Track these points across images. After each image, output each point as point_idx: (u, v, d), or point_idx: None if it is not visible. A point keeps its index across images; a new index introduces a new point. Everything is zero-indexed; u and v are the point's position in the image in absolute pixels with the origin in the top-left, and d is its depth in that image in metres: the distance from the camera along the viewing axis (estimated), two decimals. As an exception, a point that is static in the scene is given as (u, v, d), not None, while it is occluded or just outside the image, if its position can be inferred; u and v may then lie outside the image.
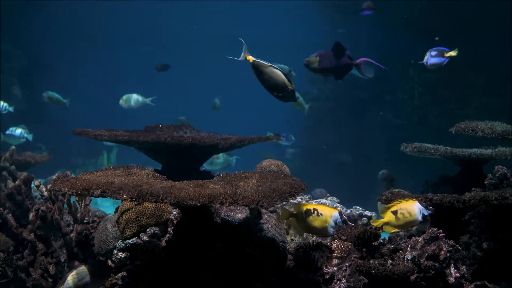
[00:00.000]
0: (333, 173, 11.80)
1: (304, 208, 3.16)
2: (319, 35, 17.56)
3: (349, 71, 4.70)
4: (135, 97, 8.60)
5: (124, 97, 8.66)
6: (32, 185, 4.51)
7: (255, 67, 3.40)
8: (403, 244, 2.95)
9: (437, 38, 8.92)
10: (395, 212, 3.01)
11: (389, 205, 3.05)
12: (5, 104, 8.32)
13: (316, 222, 3.08)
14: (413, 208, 3.00)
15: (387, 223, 3.06)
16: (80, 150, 16.36)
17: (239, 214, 3.38)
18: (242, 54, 3.37)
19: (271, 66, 3.40)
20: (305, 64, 4.60)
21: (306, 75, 14.06)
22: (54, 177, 4.38)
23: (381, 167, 7.27)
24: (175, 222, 3.46)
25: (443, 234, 2.85)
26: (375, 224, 3.07)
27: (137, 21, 20.62)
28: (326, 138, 12.71)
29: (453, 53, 4.65)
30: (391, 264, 2.80)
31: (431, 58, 4.74)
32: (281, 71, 3.40)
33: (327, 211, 3.11)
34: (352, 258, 3.04)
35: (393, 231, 3.10)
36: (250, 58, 3.38)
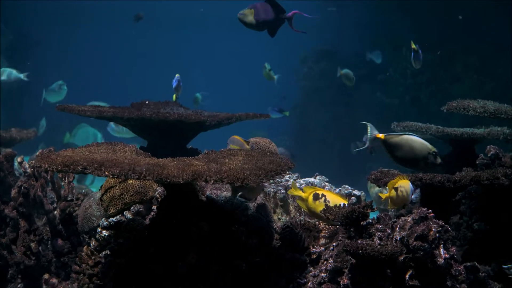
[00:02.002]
0: (322, 152, 11.78)
1: (313, 191, 3.08)
2: (308, 12, 17.43)
3: (280, 25, 4.52)
4: (8, 71, 8.60)
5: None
6: (15, 161, 4.44)
7: (390, 145, 3.27)
8: (391, 224, 2.90)
9: (460, 17, 8.95)
10: (396, 189, 2.94)
11: (393, 180, 2.97)
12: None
13: (320, 208, 3.01)
14: (409, 187, 2.93)
15: (388, 199, 3.00)
16: (67, 127, 16.26)
17: (225, 192, 3.32)
18: (370, 133, 3.26)
19: (406, 134, 3.27)
20: (239, 19, 4.41)
21: (296, 53, 14.02)
22: (37, 153, 4.31)
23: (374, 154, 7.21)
24: (159, 200, 3.40)
25: (432, 214, 2.79)
26: (384, 196, 3.00)
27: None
28: (316, 117, 12.67)
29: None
30: (379, 244, 2.74)
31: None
32: (419, 137, 3.25)
33: (336, 200, 3.03)
34: (340, 238, 2.98)
35: (393, 207, 3.07)
36: (381, 135, 3.26)
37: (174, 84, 5.00)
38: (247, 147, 3.90)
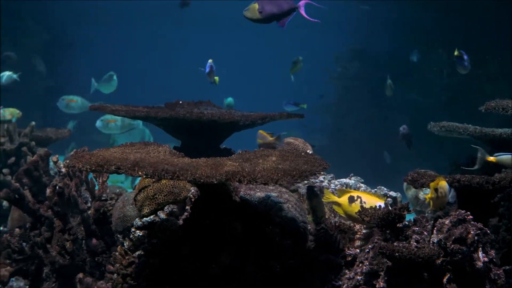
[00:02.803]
0: (356, 152, 11.70)
1: (348, 194, 3.04)
2: (342, 12, 17.33)
3: (289, 14, 4.37)
4: (7, 75, 8.61)
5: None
6: (50, 161, 4.47)
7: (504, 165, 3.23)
8: (428, 226, 2.84)
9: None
10: (436, 190, 2.88)
11: (433, 182, 2.92)
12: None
13: (357, 210, 2.96)
14: (446, 188, 2.87)
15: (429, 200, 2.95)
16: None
17: (259, 193, 3.29)
18: (480, 157, 3.24)
19: None
20: (243, 15, 4.29)
21: (330, 52, 13.94)
22: (71, 153, 4.33)
23: (405, 147, 7.12)
24: (193, 200, 3.39)
25: (471, 217, 2.73)
26: (428, 197, 2.95)
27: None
28: (350, 117, 12.60)
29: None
30: (416, 247, 2.68)
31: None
32: None
33: (372, 200, 2.99)
34: (375, 240, 2.93)
35: (434, 209, 3.02)
36: (492, 158, 3.26)
37: (207, 69, 4.99)
38: (270, 139, 3.88)
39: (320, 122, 12.70)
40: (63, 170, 4.05)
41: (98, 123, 7.88)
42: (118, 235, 3.74)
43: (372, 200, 2.97)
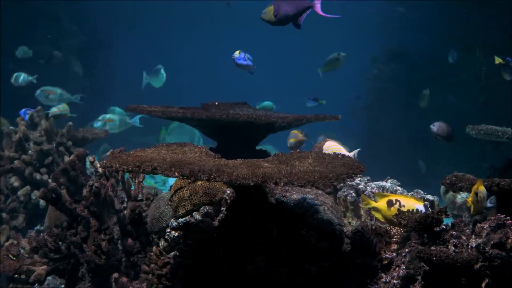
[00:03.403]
0: (391, 154, 11.60)
1: (386, 198, 3.01)
2: (376, 14, 17.21)
3: (303, 13, 4.35)
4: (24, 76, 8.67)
5: (14, 74, 8.76)
6: (86, 161, 4.51)
7: None
8: (467, 230, 2.80)
9: None
10: (476, 194, 2.83)
11: (474, 186, 2.87)
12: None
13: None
14: (484, 192, 2.83)
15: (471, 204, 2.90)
16: (138, 127, 16.51)
17: (295, 195, 3.28)
18: None
19: None
20: (261, 18, 4.30)
21: (366, 55, 13.86)
22: (108, 153, 4.36)
23: (441, 150, 7.04)
24: (229, 201, 3.39)
25: (510, 221, 2.68)
26: (469, 201, 2.90)
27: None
28: (386, 119, 12.51)
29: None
30: (453, 251, 2.65)
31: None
32: None
33: (411, 203, 2.96)
34: (412, 243, 2.90)
35: (474, 212, 2.96)
36: None
37: (244, 61, 4.98)
38: (301, 136, 3.86)
39: (354, 124, 12.63)
40: (100, 170, 4.08)
41: (97, 124, 7.90)
42: (154, 236, 3.76)
43: (410, 203, 2.93)
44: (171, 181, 10.62)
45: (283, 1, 4.28)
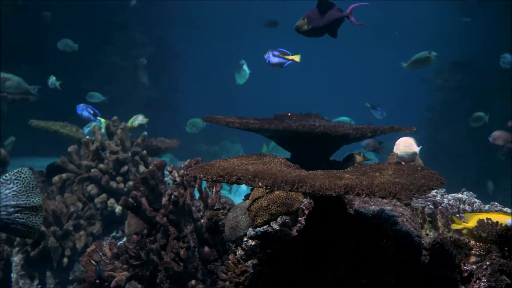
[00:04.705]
0: (456, 165, 11.42)
1: (476, 218, 3.00)
2: (441, 24, 17.00)
3: (340, 24, 4.40)
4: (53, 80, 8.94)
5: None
6: (164, 170, 4.62)
7: None
8: (550, 244, 2.77)
9: None
10: None
11: None
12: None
13: None
14: None
15: None
16: (203, 137, 16.70)
17: (373, 206, 3.30)
18: None
19: None
20: (296, 30, 4.39)
21: (431, 65, 13.71)
22: (186, 163, 4.46)
23: (508, 163, 6.92)
24: (306, 212, 3.43)
25: None
26: None
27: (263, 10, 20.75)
28: (451, 130, 12.34)
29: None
30: (537, 265, 2.63)
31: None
32: None
33: (501, 219, 2.95)
34: (493, 256, 2.88)
35: None
36: None
37: (273, 61, 5.02)
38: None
39: (419, 135, 12.52)
40: (178, 179, 4.18)
41: (86, 130, 7.97)
42: (230, 244, 3.82)
43: (499, 218, 2.92)
44: (236, 188, 10.71)
45: (314, 14, 4.37)
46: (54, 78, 8.98)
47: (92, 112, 6.59)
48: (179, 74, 18.81)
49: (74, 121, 7.22)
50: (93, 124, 7.41)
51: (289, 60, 5.11)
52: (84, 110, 6.49)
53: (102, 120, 6.59)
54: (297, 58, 5.11)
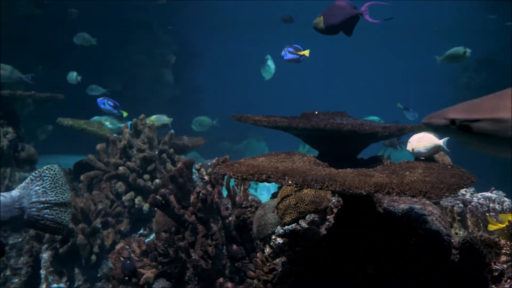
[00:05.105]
0: (485, 164, 11.33)
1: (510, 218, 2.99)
2: (467, 22, 16.85)
3: (356, 22, 4.42)
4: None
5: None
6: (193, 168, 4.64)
7: None
8: None
9: None
10: None
11: None
12: (75, 73, 8.81)
13: None
14: None
15: None
16: (227, 135, 16.75)
17: (402, 204, 3.28)
18: None
19: None
20: (313, 28, 4.43)
21: (457, 63, 13.63)
22: (214, 161, 4.48)
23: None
24: (334, 210, 3.43)
25: None
26: None
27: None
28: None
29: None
30: None
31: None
32: None
33: None
34: (524, 255, 2.87)
35: None
36: None
37: (289, 57, 5.05)
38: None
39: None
40: (206, 177, 4.20)
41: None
42: (258, 242, 3.83)
43: None
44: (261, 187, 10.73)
45: (329, 12, 4.39)
46: (75, 73, 9.07)
47: (112, 104, 6.66)
48: (201, 73, 18.86)
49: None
50: (96, 117, 7.50)
51: (300, 55, 5.16)
52: (105, 104, 6.56)
53: (124, 112, 6.65)
54: (306, 52, 5.17)
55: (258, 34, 23.11)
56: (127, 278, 4.00)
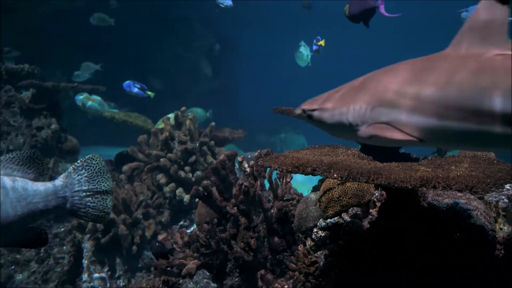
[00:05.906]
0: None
1: None
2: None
3: (373, 15, 4.50)
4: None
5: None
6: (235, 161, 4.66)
7: None
8: None
9: None
10: None
11: None
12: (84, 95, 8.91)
13: None
14: None
15: None
16: (263, 128, 16.75)
17: (447, 199, 3.26)
18: None
19: None
20: (344, 14, 4.70)
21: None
22: (256, 153, 4.49)
23: None
24: (377, 204, 3.42)
25: None
26: None
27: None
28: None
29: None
30: None
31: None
32: None
33: None
34: None
35: None
36: None
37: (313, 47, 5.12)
38: None
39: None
40: (248, 170, 4.21)
41: (78, 97, 8.00)
42: (300, 235, 3.84)
43: None
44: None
45: (355, 2, 4.52)
46: (85, 94, 9.16)
47: (139, 86, 6.70)
48: (237, 66, 18.88)
49: (141, 113, 7.35)
50: (85, 94, 7.54)
51: (318, 45, 5.29)
52: (131, 86, 6.60)
53: (151, 93, 6.68)
54: (322, 42, 5.29)
55: (293, 31, 23.04)
56: (169, 268, 4.04)
